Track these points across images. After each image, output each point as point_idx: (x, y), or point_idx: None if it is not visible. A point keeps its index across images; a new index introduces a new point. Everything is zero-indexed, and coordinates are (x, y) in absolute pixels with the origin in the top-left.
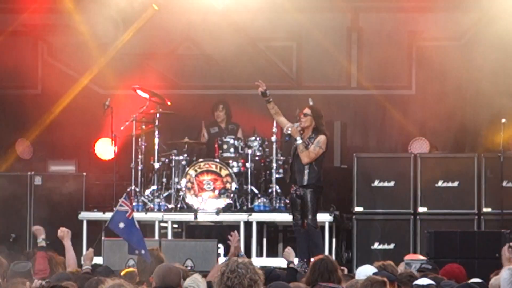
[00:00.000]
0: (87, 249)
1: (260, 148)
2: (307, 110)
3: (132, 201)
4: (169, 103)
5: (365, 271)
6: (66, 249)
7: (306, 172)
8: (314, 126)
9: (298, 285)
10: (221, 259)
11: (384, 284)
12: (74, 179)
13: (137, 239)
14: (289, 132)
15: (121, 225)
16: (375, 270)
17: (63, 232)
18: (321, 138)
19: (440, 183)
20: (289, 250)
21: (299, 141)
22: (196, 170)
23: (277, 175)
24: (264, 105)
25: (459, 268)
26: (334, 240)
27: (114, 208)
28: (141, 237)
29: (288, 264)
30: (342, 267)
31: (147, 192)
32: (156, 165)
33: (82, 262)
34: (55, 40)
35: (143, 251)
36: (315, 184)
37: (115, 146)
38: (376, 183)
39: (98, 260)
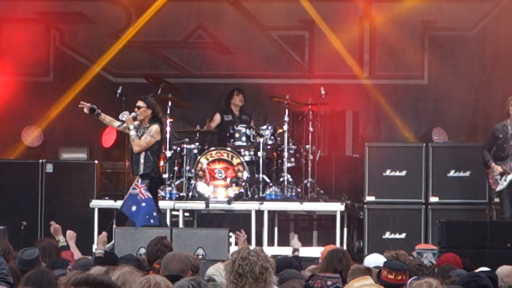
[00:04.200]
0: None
1: (272, 137)
2: (139, 103)
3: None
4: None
5: (374, 260)
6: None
7: (141, 161)
8: (150, 116)
9: (304, 273)
10: (232, 248)
11: (369, 272)
12: (85, 167)
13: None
14: (123, 119)
15: (133, 208)
16: (384, 258)
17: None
18: (153, 127)
19: (451, 173)
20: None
21: (132, 131)
22: (207, 159)
23: (289, 164)
24: (276, 94)
25: (454, 257)
26: (345, 230)
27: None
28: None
29: (293, 252)
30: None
31: None
32: (168, 154)
33: (95, 246)
34: (67, 27)
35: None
36: (149, 174)
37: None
38: (387, 172)
39: None
